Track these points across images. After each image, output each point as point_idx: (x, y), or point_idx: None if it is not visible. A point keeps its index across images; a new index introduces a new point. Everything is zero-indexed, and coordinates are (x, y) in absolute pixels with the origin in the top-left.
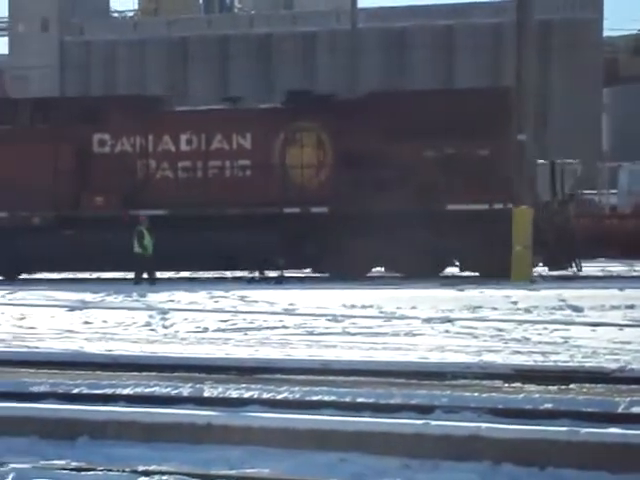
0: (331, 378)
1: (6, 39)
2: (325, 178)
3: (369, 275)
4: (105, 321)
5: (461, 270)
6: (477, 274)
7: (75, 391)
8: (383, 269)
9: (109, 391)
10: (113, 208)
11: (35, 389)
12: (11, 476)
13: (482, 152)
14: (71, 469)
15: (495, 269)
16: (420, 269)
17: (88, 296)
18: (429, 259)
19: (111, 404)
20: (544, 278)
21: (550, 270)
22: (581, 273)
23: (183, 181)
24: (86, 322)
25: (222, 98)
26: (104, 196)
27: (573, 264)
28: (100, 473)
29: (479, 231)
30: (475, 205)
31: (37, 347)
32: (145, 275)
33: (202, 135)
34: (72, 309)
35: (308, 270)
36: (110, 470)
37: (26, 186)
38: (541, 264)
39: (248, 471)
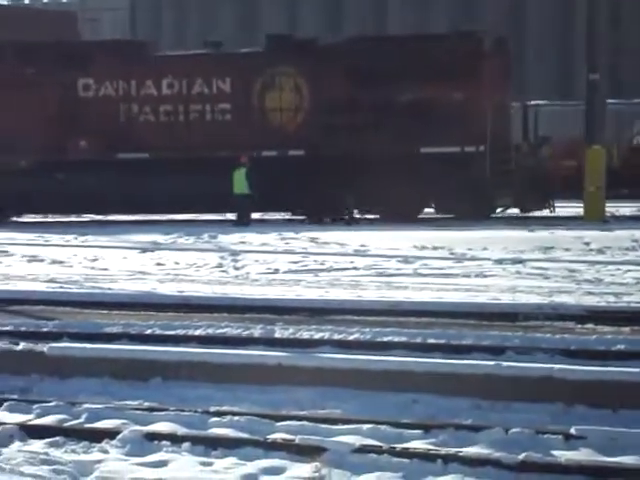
0: (402, 319)
1: None
2: (302, 122)
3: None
4: (177, 262)
5: (437, 212)
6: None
7: (148, 332)
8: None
9: (181, 332)
10: (97, 152)
11: (108, 330)
12: (84, 416)
13: (456, 96)
14: (143, 409)
15: (469, 211)
16: (397, 211)
17: (160, 237)
18: (405, 201)
19: (183, 345)
20: (617, 218)
21: (522, 212)
22: None
23: (165, 125)
24: (158, 263)
25: (203, 42)
26: (89, 140)
27: (546, 205)
28: (172, 414)
29: (453, 174)
30: (448, 148)
31: (110, 288)
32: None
33: (183, 80)
34: (144, 251)
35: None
36: (182, 411)
37: (12, 131)
38: (509, 205)
39: (319, 412)
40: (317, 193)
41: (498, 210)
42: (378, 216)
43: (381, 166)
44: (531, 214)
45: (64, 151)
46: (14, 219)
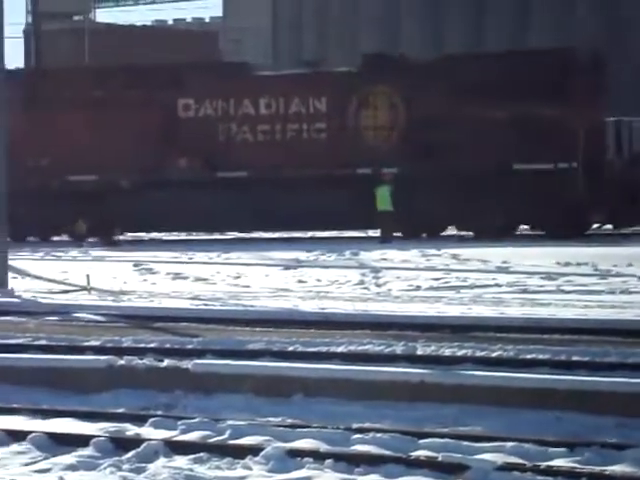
0: (545, 336)
1: (220, 1)
2: (397, 140)
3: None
4: (319, 280)
5: (530, 229)
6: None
7: (290, 349)
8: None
9: (323, 349)
10: (197, 171)
11: (251, 347)
12: (228, 432)
13: (549, 112)
14: (286, 426)
15: (563, 228)
16: (490, 228)
17: (302, 255)
18: (499, 218)
19: (325, 362)
20: None
21: (615, 228)
22: None
23: (262, 144)
24: (300, 281)
25: (301, 61)
26: (188, 159)
27: None
28: (314, 430)
29: (546, 191)
30: (541, 165)
31: (252, 306)
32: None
33: (280, 99)
34: (286, 268)
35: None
36: (324, 427)
37: (115, 150)
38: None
39: (461, 429)
40: (411, 210)
41: (594, 226)
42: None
43: (474, 183)
44: (626, 230)
45: (164, 170)
46: (119, 237)
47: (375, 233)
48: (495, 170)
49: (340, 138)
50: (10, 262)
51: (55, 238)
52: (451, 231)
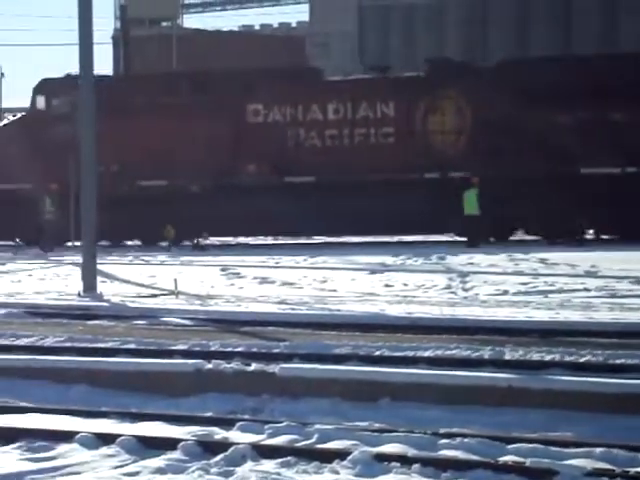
0: (634, 341)
1: (307, 6)
2: (464, 144)
3: None
4: (405, 284)
5: (598, 234)
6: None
7: (377, 353)
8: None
9: (410, 354)
10: (265, 176)
11: (337, 351)
12: (315, 436)
13: (617, 116)
14: (373, 430)
15: (632, 233)
16: (558, 232)
17: (388, 259)
18: (566, 222)
19: (412, 366)
20: None
21: None
22: None
23: (330, 149)
24: (387, 285)
25: (369, 67)
26: (257, 164)
27: None
28: (402, 435)
29: (614, 195)
30: (609, 169)
31: (339, 310)
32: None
33: (348, 104)
34: (373, 272)
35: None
36: (411, 432)
37: (185, 155)
38: None
39: (550, 434)
40: (482, 213)
41: None
42: (539, 237)
43: (541, 186)
44: None
45: (233, 176)
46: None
47: (446, 237)
48: (562, 174)
49: (407, 143)
50: (98, 266)
51: (129, 242)
52: (519, 235)
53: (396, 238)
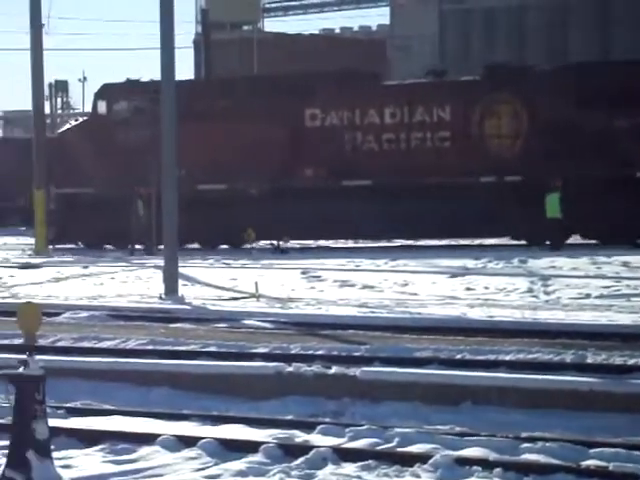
0: None
1: (387, 9)
2: (520, 148)
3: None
4: (487, 287)
5: None
6: None
7: (457, 357)
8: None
9: (491, 357)
10: (323, 179)
11: (418, 355)
12: (396, 440)
13: None
14: (454, 434)
15: None
16: (615, 236)
17: (469, 262)
18: (623, 226)
19: (493, 370)
20: None
21: None
22: None
23: (387, 153)
24: (468, 288)
25: (426, 71)
26: (315, 168)
27: None
28: (483, 439)
29: None
30: None
31: (419, 313)
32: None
33: (405, 108)
34: (454, 275)
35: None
36: (493, 436)
37: (244, 159)
38: None
39: (633, 439)
40: (536, 218)
41: None
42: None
43: (597, 191)
44: None
45: (291, 179)
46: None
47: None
48: (619, 177)
49: (464, 146)
50: (180, 269)
51: (189, 246)
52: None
53: (477, 241)
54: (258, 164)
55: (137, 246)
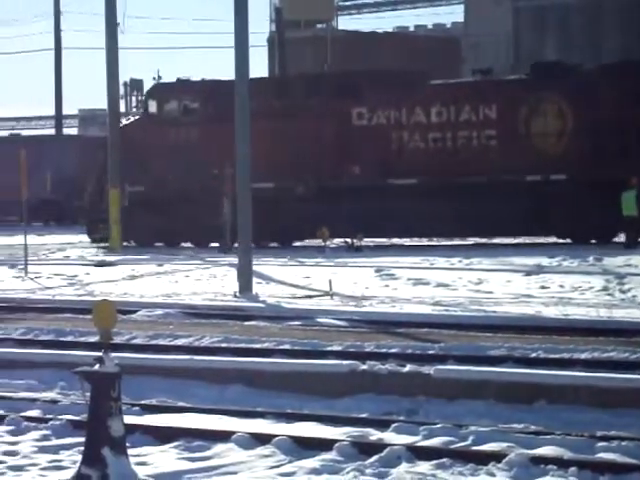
0: None
1: (461, 7)
2: (566, 146)
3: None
4: (561, 285)
5: None
6: None
7: (532, 355)
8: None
9: (566, 356)
10: (369, 178)
11: (492, 353)
12: (471, 438)
13: None
14: (529, 433)
15: None
16: None
17: (544, 260)
18: None
19: (568, 368)
20: None
21: None
22: None
23: (433, 151)
24: (542, 287)
25: (472, 70)
26: (362, 166)
27: None
28: (558, 437)
29: None
30: None
31: (494, 311)
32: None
33: (451, 107)
34: (528, 273)
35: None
36: (568, 435)
37: (292, 158)
38: None
39: None
40: (583, 216)
41: None
42: None
43: None
44: None
45: (338, 177)
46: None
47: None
48: None
49: (509, 145)
50: (254, 267)
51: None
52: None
53: (551, 240)
54: (306, 163)
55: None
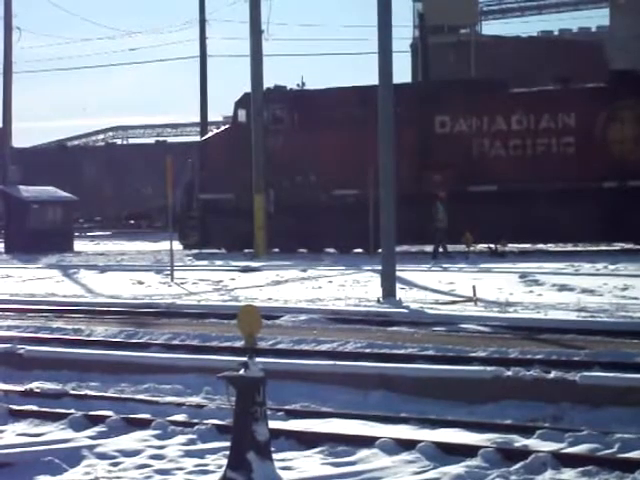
0: None
1: (607, 11)
2: None
3: None
4: None
5: None
6: None
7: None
8: None
9: None
10: (450, 185)
11: (639, 360)
12: (617, 445)
13: None
14: None
15: None
16: None
17: None
18: None
19: None
20: None
21: None
22: None
23: (513, 158)
24: None
25: (552, 78)
26: (443, 173)
27: None
28: None
29: None
30: None
31: None
32: None
33: (531, 115)
34: None
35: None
36: None
37: (374, 165)
38: None
39: None
40: None
41: None
42: None
43: None
44: None
45: (419, 184)
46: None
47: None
48: None
49: (587, 152)
50: (397, 273)
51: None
52: None
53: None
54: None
55: (441, 249)
